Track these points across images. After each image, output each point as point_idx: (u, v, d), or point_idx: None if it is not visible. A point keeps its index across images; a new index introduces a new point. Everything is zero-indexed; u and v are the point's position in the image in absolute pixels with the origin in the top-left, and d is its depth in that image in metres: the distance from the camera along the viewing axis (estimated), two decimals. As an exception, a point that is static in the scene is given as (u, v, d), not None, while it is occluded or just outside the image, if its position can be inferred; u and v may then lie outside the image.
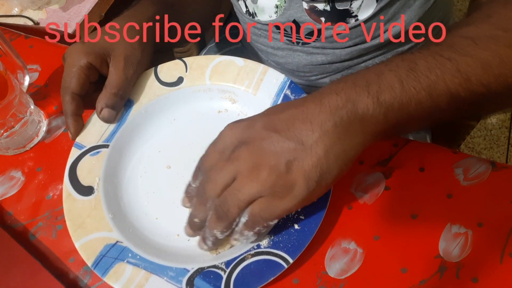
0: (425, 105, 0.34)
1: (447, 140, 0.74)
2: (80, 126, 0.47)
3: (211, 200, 0.36)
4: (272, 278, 0.38)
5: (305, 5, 0.54)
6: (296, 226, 0.40)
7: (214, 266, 0.39)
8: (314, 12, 0.54)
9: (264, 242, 0.40)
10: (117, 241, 0.41)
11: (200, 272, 0.39)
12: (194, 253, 0.41)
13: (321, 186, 0.34)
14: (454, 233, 0.41)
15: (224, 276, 0.39)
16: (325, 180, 0.34)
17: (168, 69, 0.51)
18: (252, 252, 0.39)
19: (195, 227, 0.38)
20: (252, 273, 0.38)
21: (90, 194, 0.44)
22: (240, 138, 0.35)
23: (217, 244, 0.39)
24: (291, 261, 0.39)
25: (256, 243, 0.40)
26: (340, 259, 0.41)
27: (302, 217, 0.40)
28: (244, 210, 0.35)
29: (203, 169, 0.38)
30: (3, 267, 0.43)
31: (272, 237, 0.40)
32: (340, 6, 0.52)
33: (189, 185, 0.40)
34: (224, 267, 0.39)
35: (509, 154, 1.34)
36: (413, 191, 0.43)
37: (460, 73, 0.34)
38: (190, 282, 0.39)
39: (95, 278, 0.43)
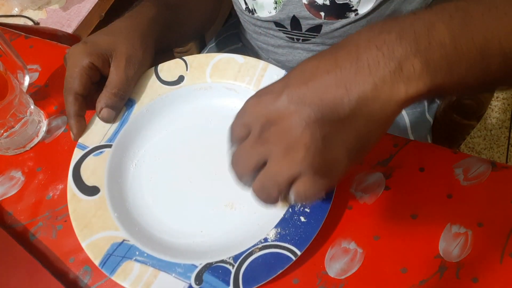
0: (476, 66, 0.30)
1: (447, 140, 0.74)
2: (82, 127, 0.47)
3: (244, 177, 0.34)
4: (280, 271, 0.38)
5: (304, 0, 0.54)
6: (302, 219, 0.40)
7: (222, 261, 0.39)
8: (313, 7, 0.54)
9: (271, 236, 0.40)
10: (123, 240, 0.41)
11: (208, 267, 0.39)
12: (202, 249, 0.41)
13: (363, 153, 0.32)
14: (454, 233, 0.41)
15: (233, 271, 0.39)
16: (365, 148, 0.31)
17: (169, 68, 0.51)
18: (260, 245, 0.40)
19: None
20: (261, 266, 0.39)
21: (95, 194, 0.44)
22: (266, 116, 0.31)
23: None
24: (299, 253, 0.39)
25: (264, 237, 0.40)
26: (340, 259, 0.41)
27: (308, 210, 0.41)
28: (284, 191, 0.32)
29: (233, 140, 0.35)
30: (3, 267, 0.43)
31: (279, 230, 0.40)
32: (339, 0, 0.52)
33: (230, 149, 0.36)
34: (232, 261, 0.39)
35: (509, 154, 1.34)
36: (413, 191, 0.43)
37: None
38: (199, 277, 0.39)
39: (95, 278, 0.43)
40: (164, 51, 0.55)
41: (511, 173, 0.43)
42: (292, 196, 0.32)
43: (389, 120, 0.30)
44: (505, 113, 1.41)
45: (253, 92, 0.48)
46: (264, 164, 0.32)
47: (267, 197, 0.33)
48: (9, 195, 0.49)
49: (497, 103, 1.43)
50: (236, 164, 0.34)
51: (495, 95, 1.43)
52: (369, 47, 0.29)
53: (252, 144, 0.32)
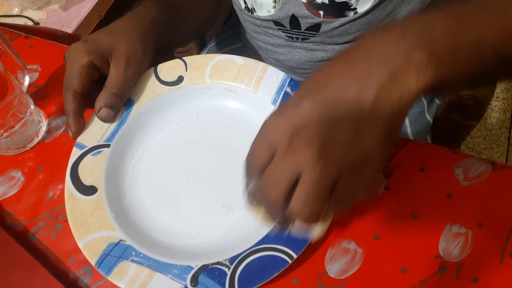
0: (473, 60, 0.31)
1: (447, 140, 0.73)
2: (81, 125, 0.48)
3: (279, 202, 0.31)
4: (276, 274, 0.38)
5: None
6: None
7: (218, 263, 0.39)
8: (312, 6, 0.54)
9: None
10: (120, 240, 0.41)
11: (204, 269, 0.39)
12: (198, 250, 0.41)
13: (391, 143, 0.32)
14: (454, 233, 0.41)
15: (229, 273, 0.39)
16: (393, 137, 0.31)
17: (168, 69, 0.51)
18: (256, 248, 0.40)
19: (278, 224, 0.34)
20: (256, 269, 0.39)
21: (92, 194, 0.44)
22: (292, 127, 0.30)
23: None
24: (295, 256, 0.39)
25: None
26: (340, 259, 0.41)
27: None
28: (327, 200, 0.31)
29: (255, 168, 0.32)
30: (3, 267, 0.43)
31: (276, 233, 0.40)
32: None
33: (247, 185, 0.34)
34: (228, 263, 0.39)
35: (509, 154, 1.34)
36: (413, 191, 0.43)
37: (505, 30, 0.31)
38: (194, 279, 0.39)
39: (95, 278, 0.43)
40: (164, 51, 0.55)
41: (511, 173, 0.43)
42: (334, 202, 0.31)
43: (406, 111, 0.31)
44: (505, 113, 1.41)
45: (252, 94, 0.48)
46: (297, 181, 0.30)
47: (313, 210, 0.30)
48: (9, 195, 0.49)
49: (497, 103, 1.43)
50: (265, 193, 0.31)
51: (495, 95, 1.43)
52: (376, 46, 0.30)
53: (282, 160, 0.30)
